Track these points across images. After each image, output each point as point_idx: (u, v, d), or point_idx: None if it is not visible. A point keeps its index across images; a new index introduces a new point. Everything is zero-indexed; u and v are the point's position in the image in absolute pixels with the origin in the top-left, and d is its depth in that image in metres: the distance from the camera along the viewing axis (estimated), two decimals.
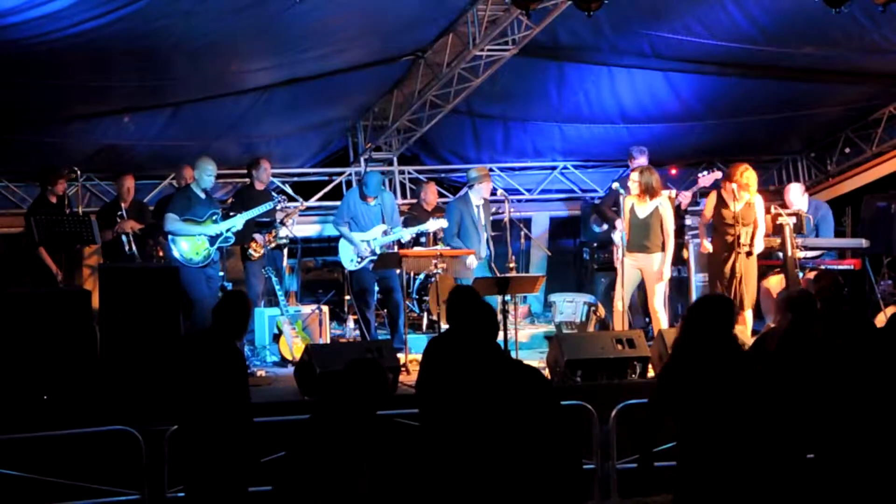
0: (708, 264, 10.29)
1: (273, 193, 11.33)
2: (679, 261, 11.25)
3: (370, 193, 10.82)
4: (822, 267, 10.35)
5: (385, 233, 10.82)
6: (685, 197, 11.42)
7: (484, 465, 4.68)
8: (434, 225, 11.05)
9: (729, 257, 9.86)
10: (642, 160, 11.36)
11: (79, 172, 11.05)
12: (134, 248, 10.69)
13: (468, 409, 4.76)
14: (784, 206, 10.92)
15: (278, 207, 11.04)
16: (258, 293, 10.95)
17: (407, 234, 11.00)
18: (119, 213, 10.79)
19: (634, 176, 10.11)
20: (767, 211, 10.20)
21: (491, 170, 13.53)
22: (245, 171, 11.65)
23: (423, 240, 11.54)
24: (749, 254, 9.82)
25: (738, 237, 9.80)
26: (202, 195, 10.32)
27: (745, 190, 9.85)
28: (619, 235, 10.03)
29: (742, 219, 9.81)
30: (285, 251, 11.64)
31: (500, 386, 4.78)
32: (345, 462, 4.81)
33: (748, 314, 9.77)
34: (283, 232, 11.18)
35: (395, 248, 10.91)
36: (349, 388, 4.95)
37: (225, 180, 12.21)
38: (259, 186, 11.26)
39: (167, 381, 8.03)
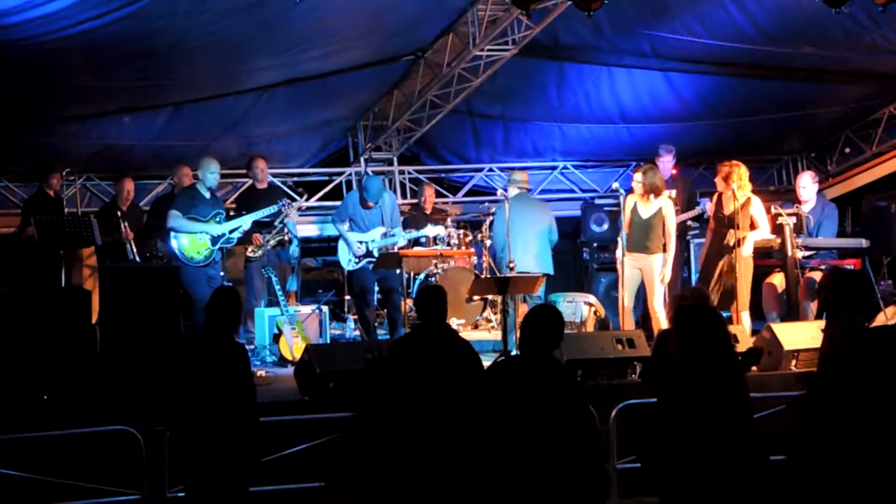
0: (702, 265, 10.29)
1: (280, 194, 11.29)
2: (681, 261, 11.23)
3: (371, 199, 10.79)
4: (823, 266, 10.32)
5: (384, 235, 10.81)
6: (687, 216, 11.44)
7: (516, 464, 4.68)
8: (432, 231, 11.05)
9: (721, 258, 9.85)
10: (668, 158, 11.41)
11: (76, 176, 11.05)
12: (135, 253, 10.67)
13: (501, 408, 4.76)
14: (795, 194, 10.83)
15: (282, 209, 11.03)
16: (259, 293, 10.94)
17: (404, 240, 10.99)
18: (117, 217, 10.74)
19: (638, 176, 10.05)
20: (767, 211, 10.15)
21: (490, 170, 13.56)
22: (244, 172, 11.66)
23: (423, 240, 11.54)
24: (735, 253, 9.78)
25: (728, 239, 9.80)
26: (207, 194, 10.29)
27: (739, 189, 9.81)
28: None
29: (734, 220, 9.77)
30: (294, 249, 11.60)
31: (535, 385, 4.78)
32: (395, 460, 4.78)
33: (745, 315, 9.73)
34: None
35: (395, 248, 10.90)
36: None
37: (224, 180, 12.20)
38: (260, 186, 11.26)
39: (168, 381, 8.08)
